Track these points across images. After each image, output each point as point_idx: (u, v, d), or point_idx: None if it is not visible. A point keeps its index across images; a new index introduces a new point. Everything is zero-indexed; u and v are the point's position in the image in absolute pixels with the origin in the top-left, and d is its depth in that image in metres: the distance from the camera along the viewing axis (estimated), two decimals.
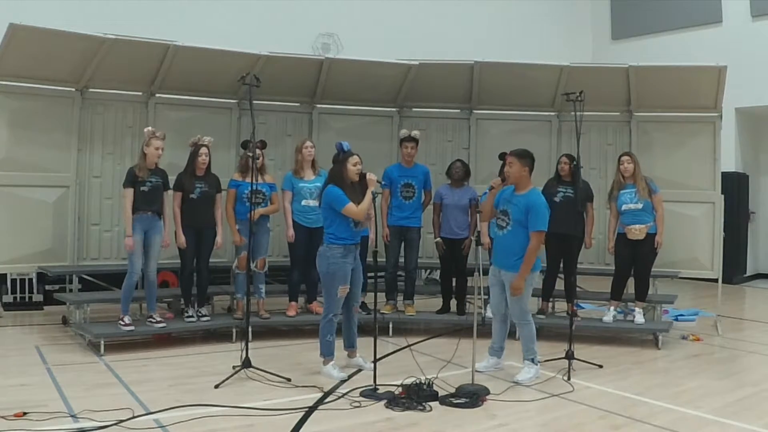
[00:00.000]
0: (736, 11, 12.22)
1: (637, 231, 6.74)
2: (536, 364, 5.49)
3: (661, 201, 6.90)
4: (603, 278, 7.48)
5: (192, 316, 6.58)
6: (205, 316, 6.67)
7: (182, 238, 6.38)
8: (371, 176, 5.37)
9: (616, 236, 6.95)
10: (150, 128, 6.27)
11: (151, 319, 6.30)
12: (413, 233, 7.17)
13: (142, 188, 6.12)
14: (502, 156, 6.77)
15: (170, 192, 6.41)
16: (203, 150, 6.42)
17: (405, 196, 7.09)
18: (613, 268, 7.09)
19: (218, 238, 6.59)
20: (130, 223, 6.08)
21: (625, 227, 6.82)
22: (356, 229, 5.39)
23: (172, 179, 6.47)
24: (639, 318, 6.91)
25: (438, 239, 7.18)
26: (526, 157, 5.42)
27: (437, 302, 7.48)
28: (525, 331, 5.50)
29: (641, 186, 6.79)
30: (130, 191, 6.11)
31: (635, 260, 6.88)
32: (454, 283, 7.29)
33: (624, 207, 6.80)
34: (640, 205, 6.76)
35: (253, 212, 5.88)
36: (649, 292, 7.14)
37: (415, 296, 7.38)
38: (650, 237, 6.79)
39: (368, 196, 5.34)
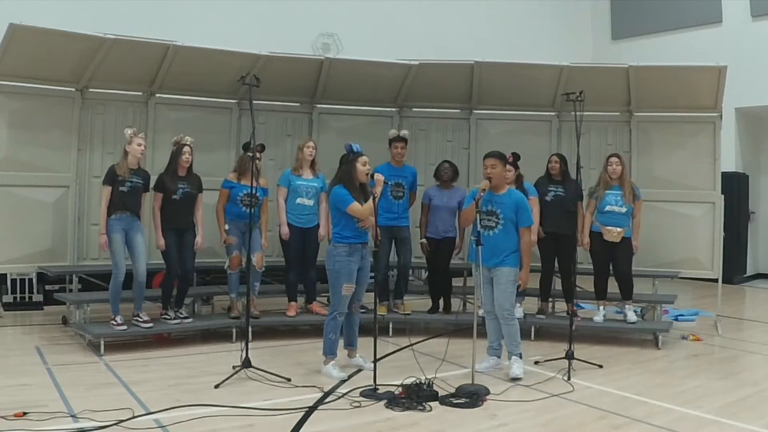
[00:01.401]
0: (736, 11, 12.22)
1: (615, 234, 6.72)
2: (522, 358, 5.57)
3: (641, 207, 6.92)
4: None
5: (174, 319, 6.50)
6: (186, 318, 6.58)
7: (161, 241, 6.30)
8: (379, 176, 5.41)
9: (593, 235, 6.90)
10: (130, 129, 6.22)
11: (137, 318, 6.23)
12: (404, 232, 7.17)
13: (121, 188, 6.05)
14: (517, 158, 6.75)
15: (149, 193, 6.37)
16: (186, 149, 6.37)
17: (395, 196, 7.08)
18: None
19: (198, 239, 6.53)
20: (104, 221, 6.03)
21: (602, 227, 6.80)
22: (360, 227, 5.42)
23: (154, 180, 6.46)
24: (631, 316, 6.91)
25: (423, 240, 7.18)
26: (504, 158, 5.63)
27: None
28: (512, 328, 5.55)
29: (628, 190, 6.80)
30: (108, 189, 6.05)
31: (613, 262, 6.87)
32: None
33: (608, 208, 6.78)
34: (623, 209, 6.76)
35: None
36: (649, 292, 7.14)
37: (415, 296, 7.37)
38: (625, 240, 6.79)
39: (378, 192, 5.37)
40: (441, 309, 7.29)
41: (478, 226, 5.40)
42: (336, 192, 5.43)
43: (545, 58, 8.66)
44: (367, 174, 5.45)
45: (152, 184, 6.43)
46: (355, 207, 5.35)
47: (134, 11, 9.27)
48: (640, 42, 13.41)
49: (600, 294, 7.01)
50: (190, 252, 6.50)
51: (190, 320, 6.62)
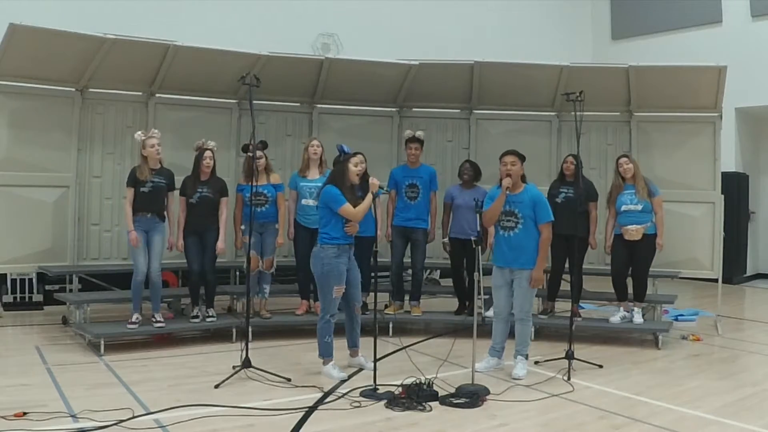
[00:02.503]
0: (736, 11, 12.22)
1: (634, 231, 6.72)
2: (527, 360, 5.61)
3: (661, 203, 6.89)
4: (604, 278, 7.46)
5: (197, 317, 6.56)
6: (211, 317, 6.61)
7: (180, 242, 6.38)
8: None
9: (614, 237, 6.93)
10: (140, 133, 6.25)
11: (155, 320, 6.27)
12: (418, 234, 7.12)
13: (142, 189, 6.12)
14: None
15: (176, 194, 6.43)
16: (208, 153, 6.41)
17: (409, 197, 7.08)
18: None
19: (219, 243, 6.53)
20: (130, 219, 6.10)
21: (621, 228, 6.80)
22: (346, 232, 5.40)
23: (179, 179, 6.46)
24: (638, 318, 6.91)
25: (445, 240, 7.16)
26: (522, 156, 5.61)
27: (438, 302, 7.48)
28: (526, 328, 5.59)
29: (640, 186, 6.78)
30: (130, 191, 6.16)
31: (633, 261, 6.88)
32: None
33: (624, 208, 6.79)
34: (639, 207, 6.75)
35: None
36: (649, 292, 7.14)
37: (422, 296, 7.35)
38: (647, 238, 6.77)
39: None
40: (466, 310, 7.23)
41: (478, 225, 5.40)
42: (328, 191, 5.38)
43: (545, 58, 8.66)
44: (358, 174, 5.43)
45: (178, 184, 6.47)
46: (347, 208, 5.31)
47: (134, 11, 9.27)
48: (640, 42, 13.40)
49: (622, 295, 6.98)
50: (209, 253, 6.50)
51: (215, 319, 6.63)
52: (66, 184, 7.20)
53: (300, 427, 4.28)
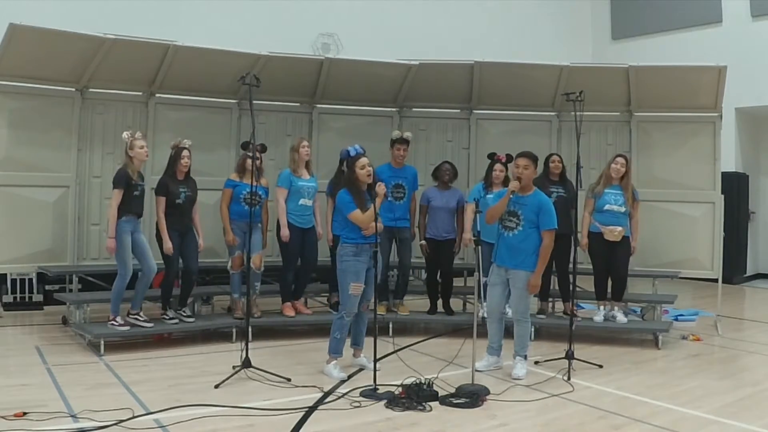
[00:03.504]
0: (736, 11, 12.21)
1: (616, 233, 6.72)
2: (526, 360, 5.61)
3: (638, 207, 6.93)
4: None
5: (173, 318, 6.48)
6: (190, 316, 6.60)
7: (169, 244, 6.26)
8: (380, 189, 5.37)
9: (592, 235, 6.89)
10: (127, 133, 6.19)
11: (137, 317, 6.22)
12: (405, 233, 7.14)
13: (135, 192, 6.05)
14: (492, 156, 6.81)
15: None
16: (185, 152, 6.36)
17: (396, 197, 7.06)
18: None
19: (200, 241, 6.53)
20: (113, 225, 5.97)
21: (602, 227, 6.79)
22: (364, 234, 5.41)
23: (153, 180, 6.46)
24: (621, 317, 6.91)
25: (422, 242, 7.16)
26: (536, 160, 5.61)
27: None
28: (524, 329, 5.60)
29: (628, 195, 6.78)
30: (120, 193, 5.97)
31: (611, 261, 6.86)
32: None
33: (606, 207, 6.77)
34: (623, 209, 6.76)
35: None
36: (649, 292, 7.14)
37: (415, 296, 7.36)
38: (625, 239, 6.79)
39: (376, 204, 5.34)
40: (443, 311, 7.24)
41: (478, 225, 5.40)
42: (340, 197, 5.46)
43: (545, 58, 8.67)
44: (368, 175, 5.40)
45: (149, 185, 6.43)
46: (356, 215, 5.34)
47: (134, 11, 9.26)
48: (640, 42, 13.40)
49: (602, 294, 7.01)
50: (194, 252, 6.49)
51: (192, 320, 6.62)
52: (66, 184, 7.19)
53: (300, 427, 4.28)
